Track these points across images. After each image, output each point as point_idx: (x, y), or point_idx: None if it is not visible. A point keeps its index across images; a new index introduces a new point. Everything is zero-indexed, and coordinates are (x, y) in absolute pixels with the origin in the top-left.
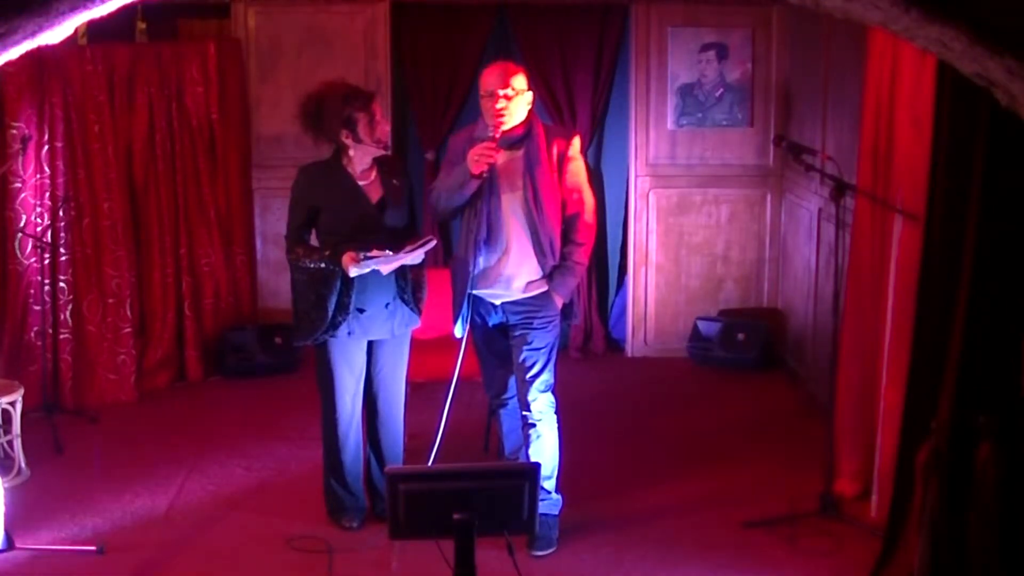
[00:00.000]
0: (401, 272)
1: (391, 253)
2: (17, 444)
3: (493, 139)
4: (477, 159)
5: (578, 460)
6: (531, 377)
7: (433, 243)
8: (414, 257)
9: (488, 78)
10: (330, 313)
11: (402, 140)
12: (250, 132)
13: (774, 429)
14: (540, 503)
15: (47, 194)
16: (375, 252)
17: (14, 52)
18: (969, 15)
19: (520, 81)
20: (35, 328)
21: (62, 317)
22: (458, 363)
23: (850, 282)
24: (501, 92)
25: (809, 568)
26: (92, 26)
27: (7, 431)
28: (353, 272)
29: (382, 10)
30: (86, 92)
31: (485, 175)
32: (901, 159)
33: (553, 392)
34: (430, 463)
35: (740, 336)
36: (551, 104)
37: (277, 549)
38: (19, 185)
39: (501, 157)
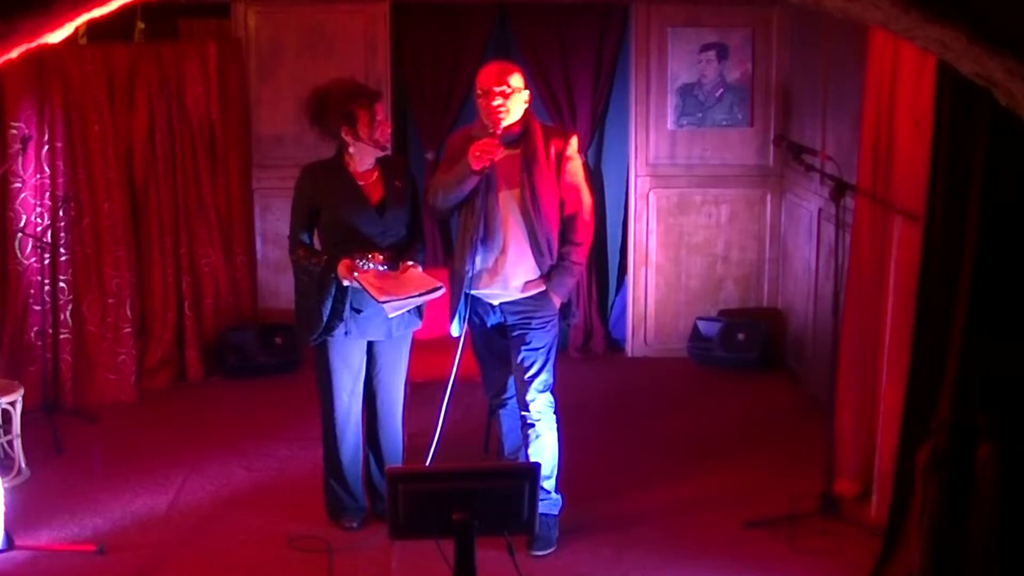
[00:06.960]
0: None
1: (386, 269)
2: (17, 444)
3: (494, 135)
4: (479, 155)
5: (578, 460)
6: (530, 377)
7: (441, 292)
8: (411, 302)
9: (484, 76)
10: (324, 318)
11: (402, 140)
12: (250, 132)
13: (774, 429)
14: (540, 503)
15: (47, 194)
16: (373, 259)
17: (14, 52)
18: (969, 15)
19: (517, 79)
20: (35, 328)
21: (62, 317)
22: (456, 362)
23: (850, 282)
24: (497, 89)
25: (809, 568)
26: (92, 26)
27: (7, 431)
28: (345, 281)
29: (382, 10)
30: (86, 92)
31: (487, 171)
32: (901, 159)
33: (552, 392)
34: (428, 463)
35: (740, 336)
36: (551, 104)
37: (277, 549)
38: (19, 185)
39: (499, 154)
